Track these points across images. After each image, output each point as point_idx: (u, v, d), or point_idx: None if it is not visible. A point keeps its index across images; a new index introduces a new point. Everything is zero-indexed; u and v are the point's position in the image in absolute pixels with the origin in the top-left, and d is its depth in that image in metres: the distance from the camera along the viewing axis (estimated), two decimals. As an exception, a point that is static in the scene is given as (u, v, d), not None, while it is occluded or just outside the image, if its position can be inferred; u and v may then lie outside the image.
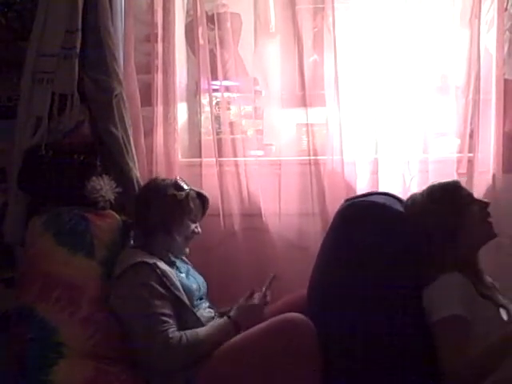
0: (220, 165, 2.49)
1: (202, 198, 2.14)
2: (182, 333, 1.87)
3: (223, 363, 1.86)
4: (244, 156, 2.52)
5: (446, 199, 1.92)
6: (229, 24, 2.53)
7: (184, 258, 2.19)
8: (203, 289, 2.13)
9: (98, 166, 2.23)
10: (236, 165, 2.50)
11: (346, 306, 1.89)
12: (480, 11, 2.33)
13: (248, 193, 2.50)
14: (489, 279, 1.96)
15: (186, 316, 1.93)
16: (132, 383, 1.91)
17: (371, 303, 1.87)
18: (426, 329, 1.81)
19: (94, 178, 2.17)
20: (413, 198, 2.00)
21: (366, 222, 1.96)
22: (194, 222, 2.10)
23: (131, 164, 2.31)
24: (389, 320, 1.85)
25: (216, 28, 2.52)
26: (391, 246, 1.91)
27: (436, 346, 1.77)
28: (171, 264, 2.06)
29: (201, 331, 1.90)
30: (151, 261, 1.96)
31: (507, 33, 2.35)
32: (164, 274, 1.94)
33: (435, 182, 2.00)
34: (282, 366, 1.80)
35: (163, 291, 1.91)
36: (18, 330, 1.95)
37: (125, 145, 2.30)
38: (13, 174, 2.22)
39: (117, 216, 2.20)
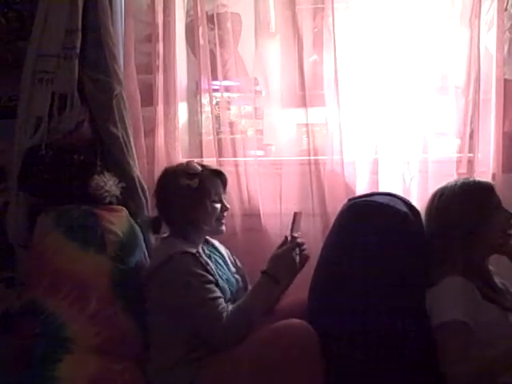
0: (220, 165, 2.48)
1: (218, 174, 2.07)
2: (227, 313, 1.85)
3: (225, 366, 1.85)
4: (244, 156, 2.52)
5: (478, 198, 1.90)
6: (229, 24, 2.53)
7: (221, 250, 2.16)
8: (233, 291, 2.05)
9: (99, 165, 2.23)
10: (236, 165, 2.50)
11: (348, 307, 1.88)
12: (480, 11, 2.33)
13: (248, 193, 2.50)
14: (499, 281, 1.94)
15: None
16: (134, 382, 1.91)
17: (373, 304, 1.86)
18: (428, 331, 1.81)
19: (95, 176, 2.17)
20: (443, 190, 1.95)
21: (368, 222, 1.94)
22: (219, 202, 2.04)
23: (132, 163, 2.31)
24: (390, 322, 1.84)
25: (216, 28, 2.52)
26: (394, 247, 1.90)
27: (437, 350, 1.76)
28: (209, 257, 2.04)
29: (245, 298, 1.89)
30: (194, 250, 1.94)
31: (507, 33, 2.35)
32: (207, 263, 1.94)
33: (469, 179, 1.97)
34: (283, 371, 1.78)
35: (210, 277, 1.90)
36: (24, 325, 1.95)
37: (125, 144, 2.30)
38: (13, 174, 2.22)
39: (125, 209, 2.20)
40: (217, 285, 1.92)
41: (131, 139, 2.34)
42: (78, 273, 1.99)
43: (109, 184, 2.17)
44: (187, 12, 2.68)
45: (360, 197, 2.13)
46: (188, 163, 2.05)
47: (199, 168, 2.02)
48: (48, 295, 1.96)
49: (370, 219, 1.95)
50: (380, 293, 1.87)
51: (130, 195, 2.24)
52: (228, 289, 2.00)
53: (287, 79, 2.52)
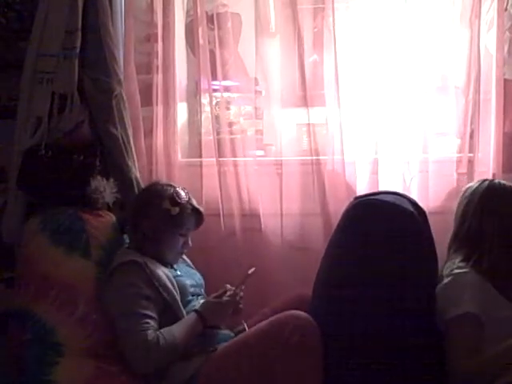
0: (220, 165, 2.49)
1: (198, 213, 2.11)
2: (159, 333, 1.86)
3: (224, 361, 1.87)
4: (244, 156, 2.52)
5: None
6: (229, 24, 2.54)
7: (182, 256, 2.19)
8: (199, 286, 2.14)
9: (98, 166, 2.23)
10: (236, 165, 2.49)
11: (351, 305, 1.88)
12: (480, 11, 2.33)
13: (248, 193, 2.49)
14: None
15: (172, 317, 1.93)
16: (132, 382, 1.90)
17: (376, 303, 1.86)
18: (430, 331, 1.82)
19: (99, 178, 2.17)
20: (490, 188, 1.98)
21: (374, 221, 1.94)
22: (185, 237, 2.08)
23: (130, 164, 2.30)
24: (391, 322, 1.84)
25: (216, 28, 2.52)
26: (399, 246, 1.89)
27: (447, 345, 1.76)
28: (165, 263, 2.07)
29: (176, 331, 1.90)
30: (141, 260, 1.97)
31: (507, 33, 2.35)
32: (153, 273, 1.95)
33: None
34: (283, 362, 1.80)
35: (149, 292, 1.92)
36: (15, 331, 1.96)
37: (124, 145, 2.29)
38: (12, 174, 2.22)
39: (112, 215, 2.20)
40: (163, 298, 1.93)
41: (131, 140, 2.34)
42: (64, 277, 2.00)
43: (107, 191, 2.17)
44: (187, 12, 2.68)
45: (365, 195, 2.11)
46: (177, 190, 2.07)
47: (185, 199, 2.06)
48: (36, 300, 1.97)
49: (375, 218, 1.95)
50: (382, 292, 1.86)
51: (127, 196, 2.24)
52: (195, 282, 2.10)
53: (287, 79, 2.52)
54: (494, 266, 1.86)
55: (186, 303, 2.01)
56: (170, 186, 2.11)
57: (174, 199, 2.04)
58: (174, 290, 1.97)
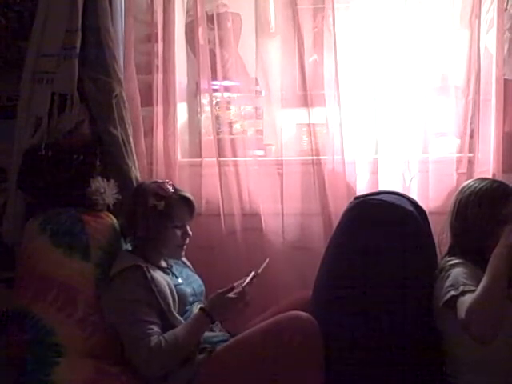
0: (220, 165, 2.49)
1: (187, 201, 2.09)
2: (161, 337, 1.86)
3: (225, 361, 1.87)
4: (244, 156, 2.52)
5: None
6: (229, 24, 2.54)
7: (183, 259, 2.19)
8: (199, 293, 2.13)
9: (98, 166, 2.23)
10: (236, 165, 2.50)
11: (351, 306, 1.88)
12: (480, 11, 2.34)
13: (249, 193, 2.50)
14: None
15: (166, 324, 1.92)
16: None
17: (376, 303, 1.86)
18: (430, 331, 1.82)
19: (99, 179, 2.17)
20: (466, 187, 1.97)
21: (374, 221, 1.94)
22: (181, 228, 2.06)
23: (130, 164, 2.31)
24: (391, 320, 1.85)
25: (216, 28, 2.52)
26: (400, 246, 1.90)
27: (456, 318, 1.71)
28: (166, 270, 2.07)
29: (179, 331, 1.89)
30: (143, 265, 1.96)
31: (507, 33, 2.35)
32: (154, 279, 1.94)
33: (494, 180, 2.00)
34: (284, 362, 1.81)
35: (149, 298, 1.91)
36: (15, 331, 1.96)
37: (124, 145, 2.30)
38: (12, 174, 2.22)
39: (112, 217, 2.20)
40: (161, 306, 1.92)
41: (131, 140, 2.34)
42: (63, 278, 2.00)
43: (107, 192, 2.17)
44: (187, 12, 2.68)
45: (366, 195, 2.11)
46: (161, 184, 2.06)
47: (170, 191, 2.05)
48: (35, 301, 1.97)
49: (376, 217, 1.95)
50: (381, 293, 1.87)
51: (126, 197, 2.23)
52: (193, 289, 2.08)
53: (287, 79, 2.52)
54: (478, 252, 1.85)
55: (184, 312, 2.00)
56: (154, 182, 2.11)
57: (158, 194, 2.03)
58: (170, 298, 1.96)
